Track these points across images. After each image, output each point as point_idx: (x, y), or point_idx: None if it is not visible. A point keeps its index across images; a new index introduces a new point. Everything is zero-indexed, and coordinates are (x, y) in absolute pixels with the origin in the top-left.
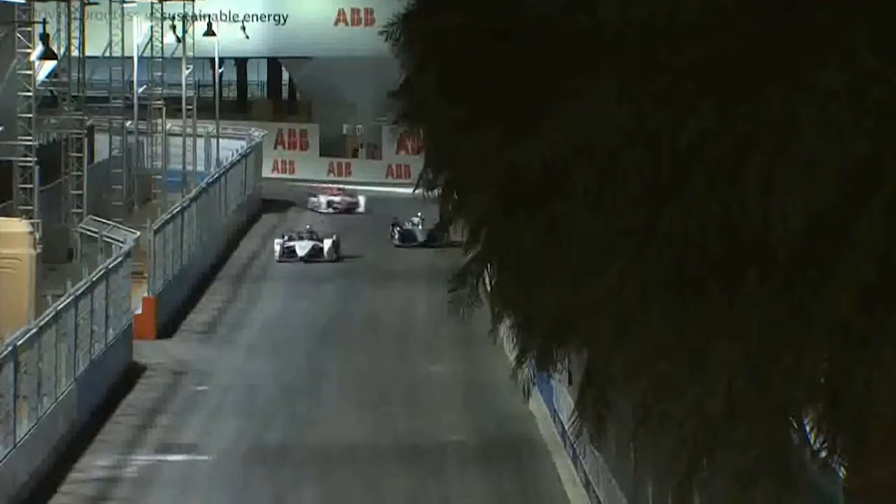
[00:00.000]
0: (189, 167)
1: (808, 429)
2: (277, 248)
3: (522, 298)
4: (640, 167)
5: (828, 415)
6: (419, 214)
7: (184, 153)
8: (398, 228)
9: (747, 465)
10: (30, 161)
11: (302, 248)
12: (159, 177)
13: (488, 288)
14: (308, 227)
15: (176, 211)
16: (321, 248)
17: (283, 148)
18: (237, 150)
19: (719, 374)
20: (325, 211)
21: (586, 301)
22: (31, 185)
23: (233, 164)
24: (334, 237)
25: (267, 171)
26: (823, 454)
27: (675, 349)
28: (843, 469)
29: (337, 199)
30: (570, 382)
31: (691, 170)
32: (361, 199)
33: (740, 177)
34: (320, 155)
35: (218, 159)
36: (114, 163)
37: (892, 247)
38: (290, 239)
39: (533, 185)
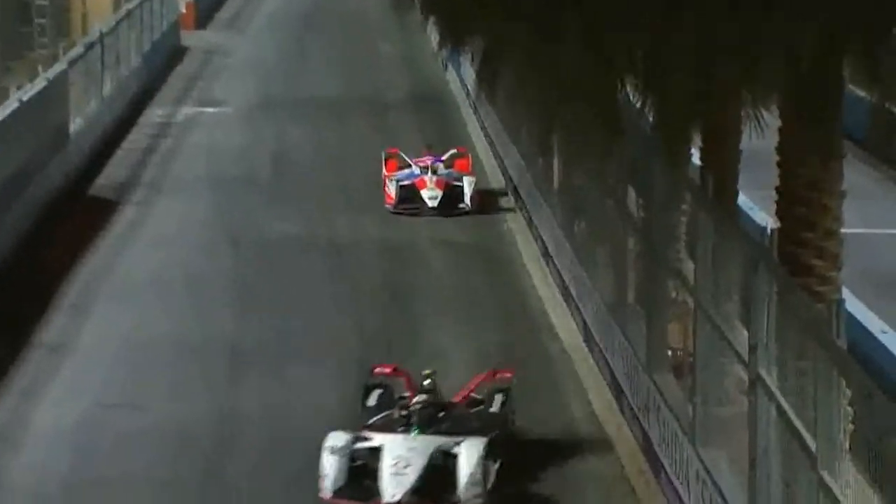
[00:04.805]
0: None
1: (630, 92)
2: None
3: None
4: None
5: (643, 83)
6: None
7: None
8: None
9: (588, 115)
10: None
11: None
12: None
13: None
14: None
15: None
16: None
17: None
18: None
19: (569, 49)
20: None
21: (486, 4)
22: None
23: None
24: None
25: None
26: (640, 107)
27: (540, 31)
28: (651, 117)
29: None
30: (472, 60)
31: None
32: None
33: None
34: None
35: None
36: None
37: None
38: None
39: None
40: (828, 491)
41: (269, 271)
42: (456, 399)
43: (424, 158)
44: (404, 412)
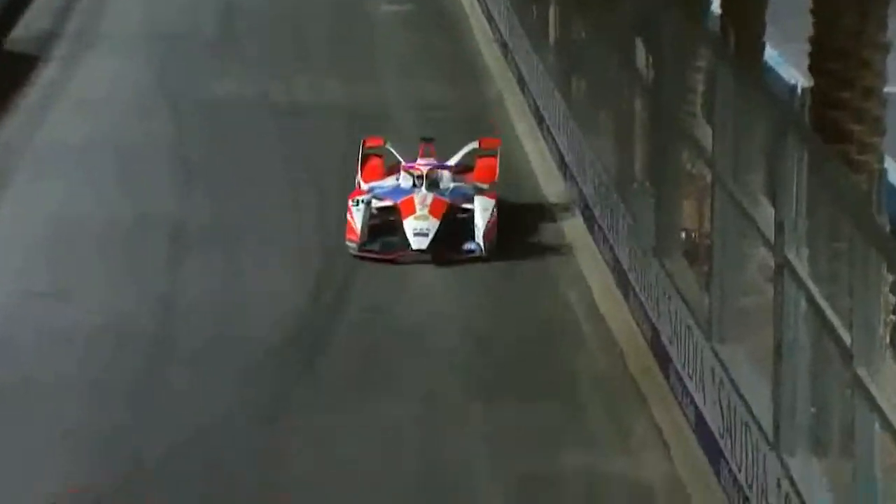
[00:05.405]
0: None
1: None
2: None
3: None
4: None
5: None
6: None
7: None
8: None
9: None
10: None
11: None
12: None
13: None
14: None
15: None
16: None
17: None
18: None
19: None
20: None
21: None
22: None
23: None
24: None
25: None
26: None
27: None
28: None
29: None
30: None
31: None
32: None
33: None
34: None
35: None
36: None
37: None
38: None
39: None
40: (865, 391)
41: (215, 140)
42: None
43: (418, 163)
44: None
